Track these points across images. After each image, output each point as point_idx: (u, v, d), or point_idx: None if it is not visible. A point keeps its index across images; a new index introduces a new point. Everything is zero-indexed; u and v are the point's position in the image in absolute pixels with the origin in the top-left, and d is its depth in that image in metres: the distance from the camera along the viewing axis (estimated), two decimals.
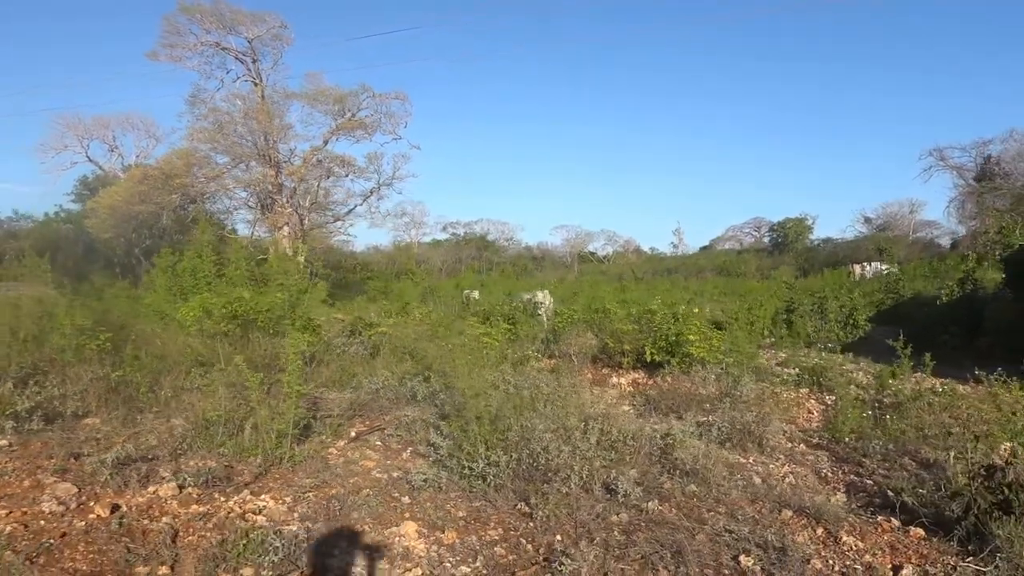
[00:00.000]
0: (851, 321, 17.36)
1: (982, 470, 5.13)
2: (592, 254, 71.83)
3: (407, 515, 4.87)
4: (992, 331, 13.61)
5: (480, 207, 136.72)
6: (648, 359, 10.79)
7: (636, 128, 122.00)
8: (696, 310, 12.15)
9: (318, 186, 32.87)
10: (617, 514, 5.17)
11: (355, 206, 33.22)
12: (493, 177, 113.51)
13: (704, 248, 74.83)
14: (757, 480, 6.29)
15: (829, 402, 9.67)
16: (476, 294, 24.15)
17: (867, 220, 62.48)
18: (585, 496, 5.39)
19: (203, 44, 31.35)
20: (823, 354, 13.84)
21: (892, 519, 5.40)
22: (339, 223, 34.13)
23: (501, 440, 5.62)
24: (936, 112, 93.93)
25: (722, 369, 9.73)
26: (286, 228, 32.86)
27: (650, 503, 5.42)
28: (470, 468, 5.34)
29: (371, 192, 32.55)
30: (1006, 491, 4.93)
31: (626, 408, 9.03)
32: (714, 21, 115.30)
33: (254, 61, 32.39)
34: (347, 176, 31.80)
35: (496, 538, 4.65)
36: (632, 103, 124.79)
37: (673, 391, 9.49)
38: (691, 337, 10.38)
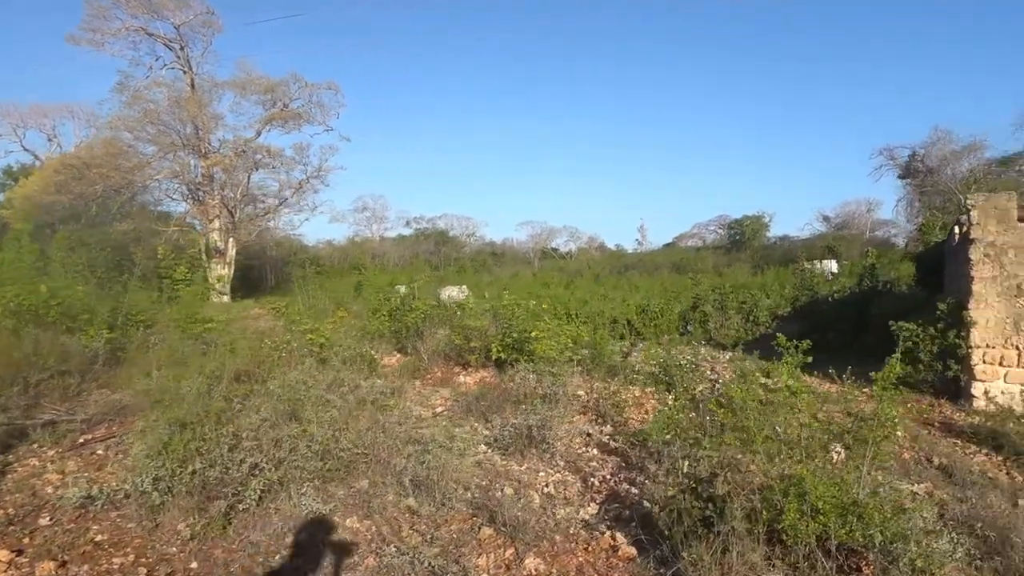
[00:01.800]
0: (752, 318, 17.01)
1: (691, 482, 4.65)
2: (554, 250, 71.35)
3: (26, 540, 4.28)
4: (876, 327, 13.25)
5: (446, 202, 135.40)
6: (494, 357, 10.28)
7: (605, 125, 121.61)
8: (544, 305, 11.64)
9: (248, 178, 32.00)
10: (296, 533, 4.61)
11: (286, 199, 32.33)
12: (460, 173, 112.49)
13: (667, 245, 74.56)
14: (508, 491, 5.77)
15: (672, 402, 9.21)
16: (404, 289, 23.61)
17: (825, 218, 62.57)
18: (275, 513, 4.83)
19: (128, 29, 30.33)
20: (701, 350, 13.41)
21: (618, 535, 4.93)
22: (269, 216, 33.21)
23: (189, 451, 5.02)
24: (912, 112, 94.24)
25: (548, 368, 9.18)
26: (217, 221, 31.98)
27: (348, 520, 4.88)
28: (134, 484, 4.76)
29: (300, 184, 31.69)
30: (709, 506, 4.46)
31: (439, 410, 8.51)
32: (689, 18, 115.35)
33: (182, 48, 31.45)
34: (274, 167, 30.88)
35: (115, 567, 4.08)
36: (601, 101, 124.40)
37: (501, 391, 8.97)
38: (535, 334, 9.85)
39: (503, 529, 4.74)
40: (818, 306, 17.08)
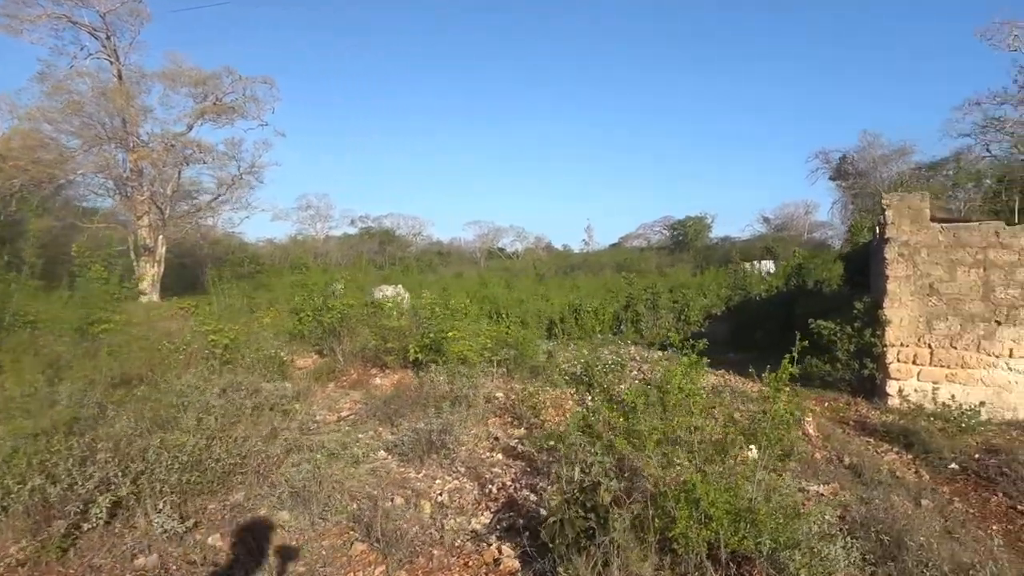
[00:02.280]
0: (683, 317, 17.03)
1: (576, 489, 4.40)
2: (501, 250, 71.25)
3: None
4: (801, 326, 13.32)
5: (395, 202, 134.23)
6: (411, 358, 9.93)
7: (556, 127, 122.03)
8: (462, 304, 11.36)
9: (179, 173, 30.86)
10: (146, 555, 4.21)
11: (218, 195, 31.32)
12: (409, 173, 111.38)
13: (614, 245, 75.11)
14: (399, 501, 5.44)
15: (590, 402, 9.00)
16: (341, 287, 23.13)
17: (766, 220, 63.90)
18: (128, 533, 4.40)
19: (50, 16, 28.94)
20: (631, 350, 13.29)
21: (504, 547, 4.65)
22: (201, 212, 32.14)
23: (32, 465, 4.56)
24: (855, 116, 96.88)
25: (459, 369, 8.87)
26: (146, 218, 30.77)
27: (211, 538, 4.49)
28: None
29: (233, 180, 30.72)
30: (593, 516, 4.22)
31: (345, 414, 8.13)
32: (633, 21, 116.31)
33: (108, 37, 30.16)
34: (205, 162, 29.86)
35: None
36: (552, 103, 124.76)
37: (414, 394, 8.64)
38: (451, 335, 9.55)
39: (376, 544, 4.41)
40: (748, 306, 17.21)
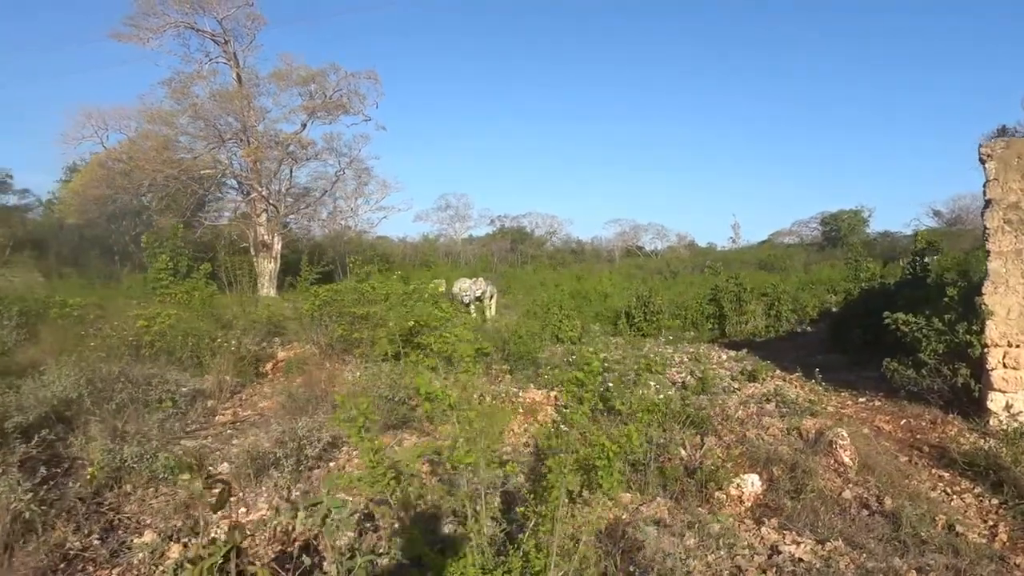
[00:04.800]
0: (773, 313, 14.46)
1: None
2: (640, 248, 69.11)
3: None
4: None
5: (538, 201, 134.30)
6: (379, 350, 8.60)
7: (702, 124, 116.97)
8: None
9: (291, 171, 31.66)
10: None
11: (325, 192, 31.89)
12: (553, 173, 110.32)
13: (763, 242, 70.57)
14: (147, 538, 4.10)
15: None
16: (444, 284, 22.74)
17: (936, 213, 56.95)
18: None
19: (172, 24, 30.60)
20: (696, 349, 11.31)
21: None
22: (311, 208, 32.85)
23: None
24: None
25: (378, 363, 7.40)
26: (264, 215, 31.86)
27: None
28: None
29: (336, 176, 31.11)
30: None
31: (247, 414, 6.92)
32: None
33: (226, 42, 31.49)
34: (308, 159, 30.40)
35: None
36: (703, 104, 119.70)
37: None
38: (413, 324, 8.14)
39: None
40: (853, 302, 14.41)
